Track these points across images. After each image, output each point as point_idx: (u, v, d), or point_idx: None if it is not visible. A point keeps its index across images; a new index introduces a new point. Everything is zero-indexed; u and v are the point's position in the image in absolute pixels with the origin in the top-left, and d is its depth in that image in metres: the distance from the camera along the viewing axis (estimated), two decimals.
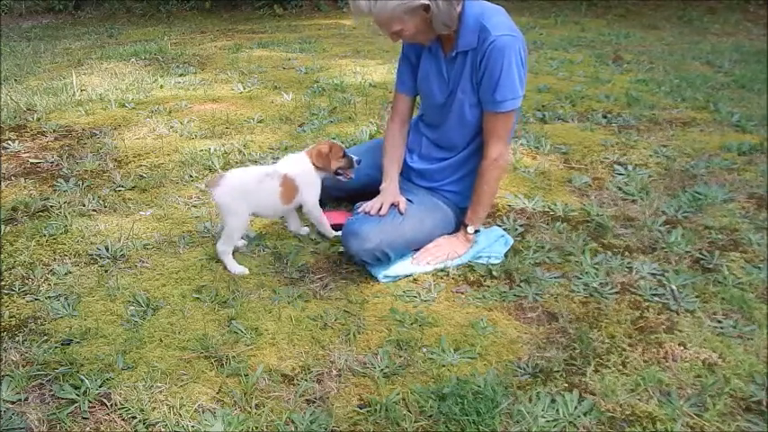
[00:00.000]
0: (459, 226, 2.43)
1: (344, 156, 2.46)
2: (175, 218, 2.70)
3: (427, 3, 2.06)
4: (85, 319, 2.07)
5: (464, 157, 2.39)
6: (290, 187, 2.38)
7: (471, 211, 2.36)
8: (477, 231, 2.39)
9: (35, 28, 8.29)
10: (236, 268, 2.31)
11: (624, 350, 1.91)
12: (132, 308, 2.12)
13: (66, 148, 3.47)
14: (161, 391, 1.75)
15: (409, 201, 2.37)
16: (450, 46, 2.24)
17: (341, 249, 2.42)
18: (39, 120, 3.89)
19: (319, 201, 2.66)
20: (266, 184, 2.34)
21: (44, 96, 4.38)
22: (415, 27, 2.15)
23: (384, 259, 2.26)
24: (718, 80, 4.76)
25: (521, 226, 2.62)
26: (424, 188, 2.45)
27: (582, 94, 4.36)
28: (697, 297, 2.16)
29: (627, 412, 1.68)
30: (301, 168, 2.42)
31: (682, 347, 1.92)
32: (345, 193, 2.66)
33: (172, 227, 2.63)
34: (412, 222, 2.31)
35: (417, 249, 2.37)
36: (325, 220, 2.51)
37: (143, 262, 2.39)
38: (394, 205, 2.32)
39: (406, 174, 2.50)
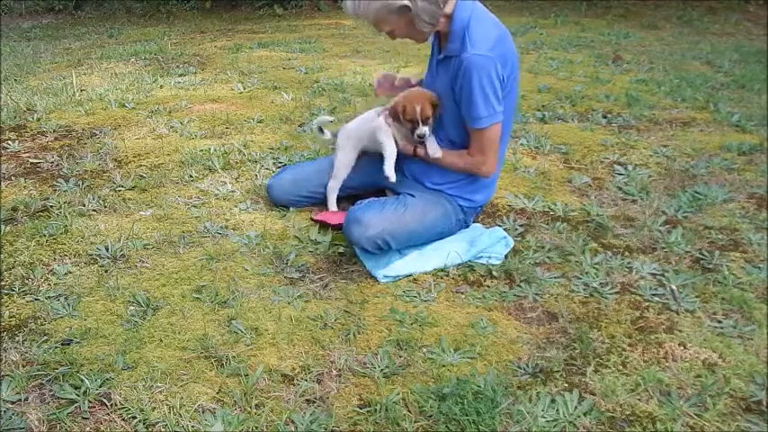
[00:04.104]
0: (459, 223, 2.44)
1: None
2: (175, 218, 2.70)
3: (407, 3, 2.07)
4: (85, 319, 2.07)
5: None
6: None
7: (445, 152, 2.37)
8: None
9: (35, 28, 8.28)
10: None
11: (624, 350, 1.92)
12: (132, 308, 2.12)
13: (66, 148, 3.47)
14: (161, 391, 1.75)
15: (411, 195, 2.39)
16: (443, 47, 2.25)
17: (341, 249, 2.43)
18: (39, 120, 3.88)
19: (317, 202, 2.67)
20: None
21: (44, 96, 4.38)
22: (404, 27, 2.18)
23: (385, 247, 2.26)
24: (718, 80, 4.76)
25: (521, 226, 2.62)
26: (427, 187, 2.45)
27: (582, 94, 4.36)
28: (697, 297, 2.16)
29: (627, 412, 1.68)
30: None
31: (682, 347, 1.92)
32: (346, 192, 2.66)
33: (172, 227, 2.62)
34: (414, 213, 2.33)
35: (415, 246, 2.37)
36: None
37: (143, 262, 2.39)
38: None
39: (411, 171, 2.50)
